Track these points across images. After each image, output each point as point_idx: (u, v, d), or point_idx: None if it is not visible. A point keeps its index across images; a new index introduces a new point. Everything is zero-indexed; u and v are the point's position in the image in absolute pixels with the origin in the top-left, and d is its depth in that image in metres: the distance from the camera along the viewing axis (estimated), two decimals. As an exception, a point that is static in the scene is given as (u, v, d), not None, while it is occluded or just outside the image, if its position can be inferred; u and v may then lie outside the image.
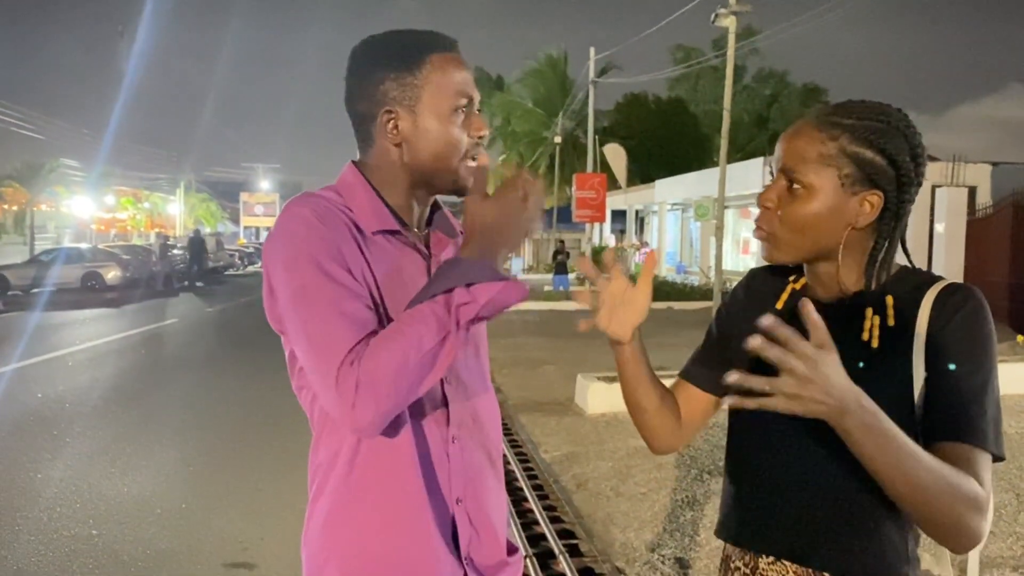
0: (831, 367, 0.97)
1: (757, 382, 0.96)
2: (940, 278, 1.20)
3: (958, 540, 1.07)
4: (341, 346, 1.11)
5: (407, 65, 1.27)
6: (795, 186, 1.19)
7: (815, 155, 1.18)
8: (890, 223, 1.20)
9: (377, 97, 1.29)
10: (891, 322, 1.18)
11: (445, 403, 1.30)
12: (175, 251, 29.37)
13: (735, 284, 1.47)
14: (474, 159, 1.32)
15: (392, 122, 1.29)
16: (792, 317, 1.27)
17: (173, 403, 7.96)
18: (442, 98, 1.27)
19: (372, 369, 1.09)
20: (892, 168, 1.17)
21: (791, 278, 1.34)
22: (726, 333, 1.39)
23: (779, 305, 1.32)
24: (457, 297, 1.14)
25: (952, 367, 1.13)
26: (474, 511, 1.33)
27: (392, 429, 1.23)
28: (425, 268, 1.32)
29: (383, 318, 1.22)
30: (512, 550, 1.43)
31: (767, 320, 0.97)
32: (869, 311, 1.20)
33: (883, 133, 1.16)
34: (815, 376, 0.95)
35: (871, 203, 1.18)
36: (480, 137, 1.32)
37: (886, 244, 1.21)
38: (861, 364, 1.17)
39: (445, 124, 1.28)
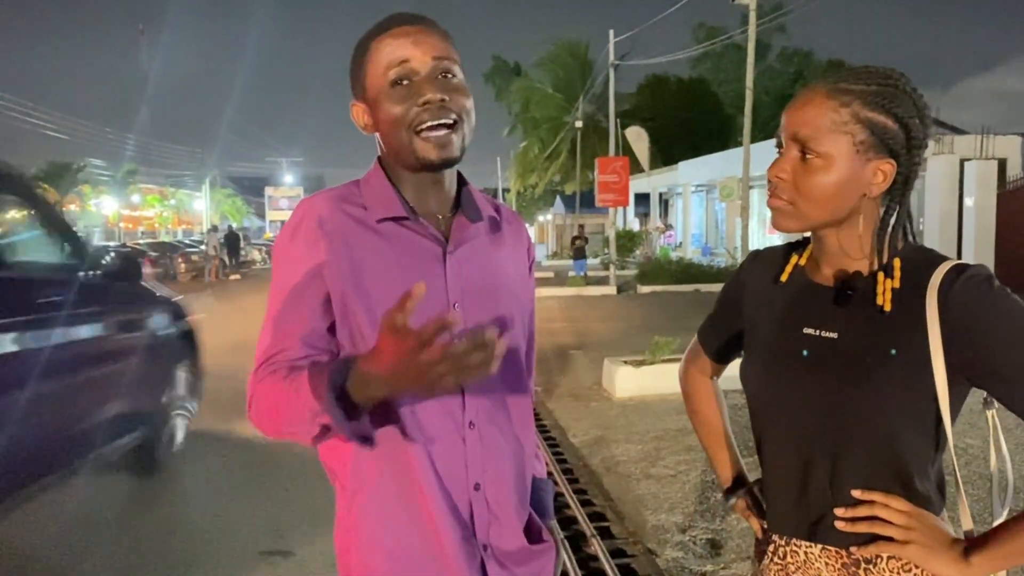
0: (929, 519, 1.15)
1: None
2: (946, 258, 1.18)
3: None
4: (271, 345, 1.27)
5: (356, 59, 1.34)
6: (809, 156, 1.17)
7: (829, 123, 1.16)
8: (901, 190, 1.19)
9: (354, 93, 1.37)
10: (897, 284, 1.17)
11: (461, 389, 1.28)
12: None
13: (738, 267, 1.48)
14: (428, 127, 1.25)
15: (358, 115, 1.36)
16: (794, 289, 1.30)
17: (205, 391, 8.04)
18: (376, 78, 1.29)
19: (260, 395, 1.25)
20: (903, 131, 1.16)
21: (794, 253, 1.35)
22: (732, 313, 1.43)
23: (784, 278, 1.33)
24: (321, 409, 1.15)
25: (996, 361, 1.11)
26: (495, 496, 1.31)
27: (391, 420, 1.24)
28: (440, 255, 1.31)
29: (381, 305, 1.20)
30: (540, 539, 1.40)
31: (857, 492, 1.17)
32: (881, 275, 1.19)
33: (892, 97, 1.15)
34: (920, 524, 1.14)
35: (884, 171, 1.17)
36: (425, 102, 1.25)
37: (896, 211, 1.20)
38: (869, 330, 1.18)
39: (383, 102, 1.29)
